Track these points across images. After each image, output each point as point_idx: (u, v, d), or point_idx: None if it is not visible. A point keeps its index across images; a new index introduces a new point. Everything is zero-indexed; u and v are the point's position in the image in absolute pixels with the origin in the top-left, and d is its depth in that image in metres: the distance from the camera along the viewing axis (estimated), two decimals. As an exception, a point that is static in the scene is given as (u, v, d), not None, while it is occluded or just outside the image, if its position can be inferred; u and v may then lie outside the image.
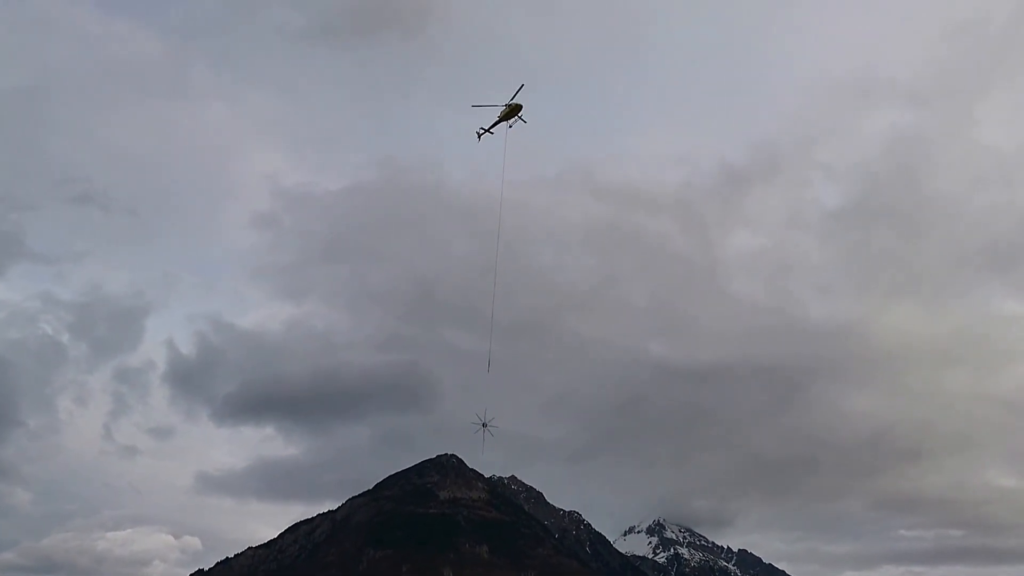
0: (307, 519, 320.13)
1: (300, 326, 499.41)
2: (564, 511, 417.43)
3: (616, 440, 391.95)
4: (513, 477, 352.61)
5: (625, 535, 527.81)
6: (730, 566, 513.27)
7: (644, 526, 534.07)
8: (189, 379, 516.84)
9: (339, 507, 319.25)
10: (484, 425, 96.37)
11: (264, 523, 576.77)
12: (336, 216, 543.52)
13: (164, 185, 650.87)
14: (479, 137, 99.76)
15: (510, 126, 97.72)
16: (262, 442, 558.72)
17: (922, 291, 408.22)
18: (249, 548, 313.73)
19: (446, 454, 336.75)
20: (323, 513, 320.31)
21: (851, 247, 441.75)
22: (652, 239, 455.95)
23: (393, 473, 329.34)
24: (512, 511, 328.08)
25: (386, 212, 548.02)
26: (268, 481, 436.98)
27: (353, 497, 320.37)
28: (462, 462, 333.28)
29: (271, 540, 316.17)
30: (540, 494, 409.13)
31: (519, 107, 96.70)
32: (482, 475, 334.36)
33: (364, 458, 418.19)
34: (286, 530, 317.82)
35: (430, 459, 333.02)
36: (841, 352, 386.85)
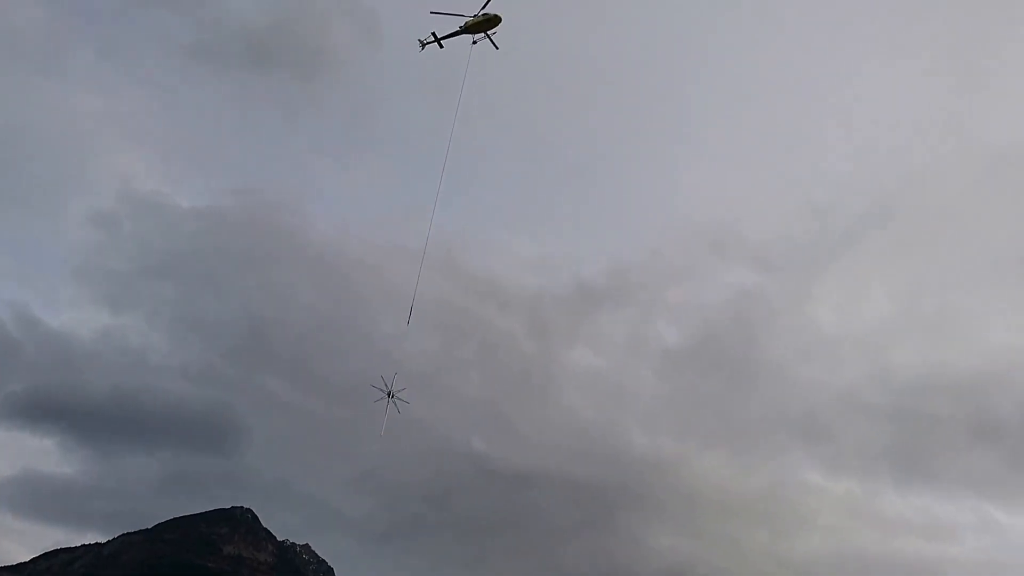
0: (68, 547, 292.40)
1: (113, 338, 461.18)
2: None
3: (419, 528, 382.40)
4: (307, 546, 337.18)
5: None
6: None
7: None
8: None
9: (108, 541, 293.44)
10: (390, 395, 77.20)
11: (18, 543, 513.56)
12: (182, 234, 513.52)
13: (6, 160, 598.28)
14: (422, 47, 77.89)
15: (475, 42, 76.30)
16: (36, 453, 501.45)
17: (737, 444, 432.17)
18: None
19: (241, 507, 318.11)
20: (89, 544, 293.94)
21: (681, 387, 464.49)
22: (497, 335, 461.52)
23: (178, 516, 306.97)
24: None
25: (236, 243, 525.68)
26: (32, 497, 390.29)
27: (128, 533, 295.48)
28: (256, 519, 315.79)
29: (21, 563, 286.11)
30: (331, 569, 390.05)
31: (498, 19, 75.33)
32: (274, 536, 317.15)
33: (148, 494, 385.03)
34: (41, 555, 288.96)
35: (223, 509, 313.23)
36: (654, 485, 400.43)
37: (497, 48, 76.20)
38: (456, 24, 76.30)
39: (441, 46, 77.79)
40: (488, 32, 75.99)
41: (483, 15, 74.96)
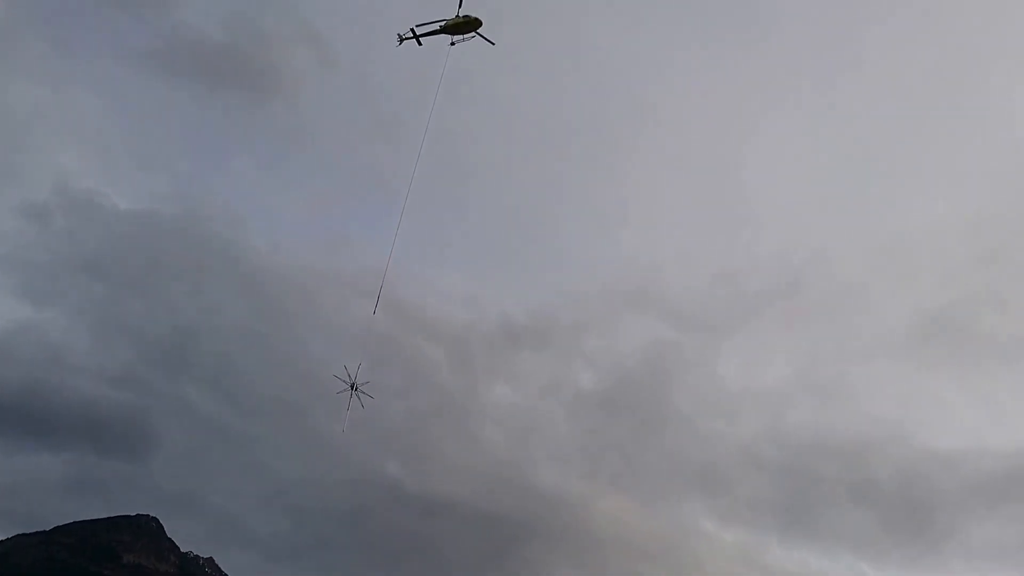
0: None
1: (31, 332, 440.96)
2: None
3: (327, 549, 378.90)
4: (211, 559, 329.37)
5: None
6: None
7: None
8: None
9: (1, 541, 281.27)
10: (353, 387, 72.42)
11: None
12: (115, 235, 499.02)
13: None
14: (400, 41, 75.68)
15: (453, 43, 74.71)
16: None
17: (639, 489, 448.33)
18: None
19: (146, 515, 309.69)
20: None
21: (591, 430, 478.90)
22: (422, 364, 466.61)
23: (79, 520, 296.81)
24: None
25: (168, 250, 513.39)
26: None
27: (23, 534, 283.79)
28: (162, 529, 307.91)
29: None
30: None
31: (478, 23, 73.67)
32: (178, 548, 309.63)
33: (49, 495, 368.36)
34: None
35: (127, 516, 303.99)
36: (559, 522, 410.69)
37: (493, 44, 74.94)
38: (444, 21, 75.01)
39: (420, 43, 75.99)
40: (467, 35, 74.62)
41: (463, 17, 73.90)
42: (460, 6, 73.81)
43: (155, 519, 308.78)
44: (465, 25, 74.11)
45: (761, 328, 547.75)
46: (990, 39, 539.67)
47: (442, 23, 74.88)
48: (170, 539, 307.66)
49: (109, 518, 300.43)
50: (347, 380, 73.13)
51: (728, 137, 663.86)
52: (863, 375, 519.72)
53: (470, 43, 75.90)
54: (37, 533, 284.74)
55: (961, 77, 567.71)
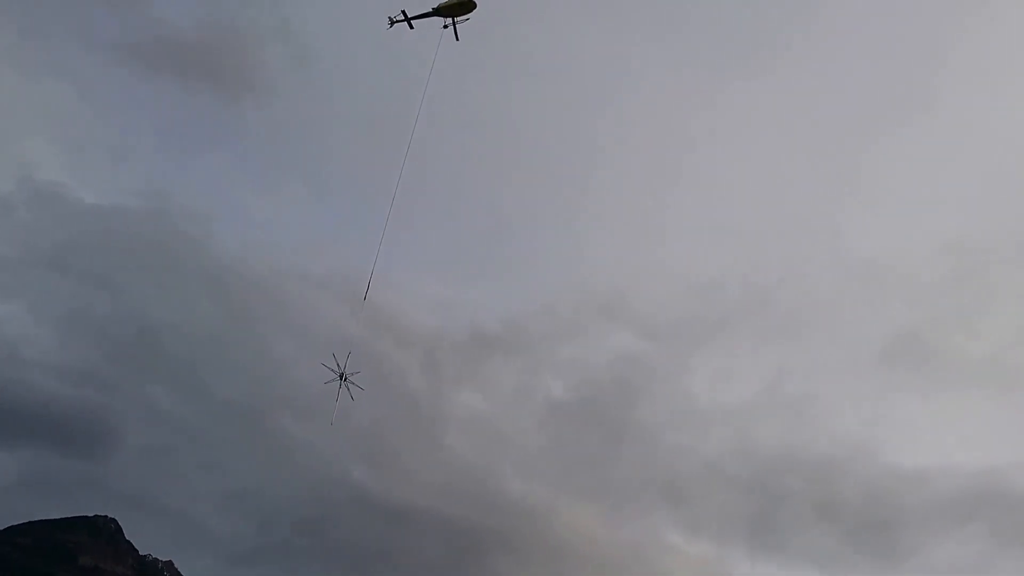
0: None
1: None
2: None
3: (288, 554, 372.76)
4: (170, 562, 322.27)
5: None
6: None
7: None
8: None
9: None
10: (343, 377, 68.56)
11: None
12: (81, 229, 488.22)
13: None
14: (391, 24, 73.43)
15: (445, 26, 72.39)
16: None
17: (607, 500, 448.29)
18: None
19: (104, 516, 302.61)
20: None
21: (561, 440, 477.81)
22: (391, 369, 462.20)
23: (34, 520, 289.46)
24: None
25: (135, 246, 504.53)
26: None
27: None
28: (120, 530, 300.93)
29: None
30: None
31: (472, 4, 71.16)
32: (137, 550, 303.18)
33: (2, 493, 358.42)
34: None
35: (85, 517, 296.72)
36: (527, 532, 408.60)
37: (458, 39, 72.82)
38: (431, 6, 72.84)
39: (411, 26, 73.80)
40: (459, 18, 72.18)
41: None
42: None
43: (113, 520, 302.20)
44: (459, 7, 71.59)
45: (730, 343, 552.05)
46: (966, 64, 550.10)
47: (435, 5, 72.76)
48: (128, 541, 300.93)
49: (66, 519, 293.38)
50: (336, 369, 69.39)
51: (704, 152, 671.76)
52: (831, 393, 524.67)
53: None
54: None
55: (937, 100, 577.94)
